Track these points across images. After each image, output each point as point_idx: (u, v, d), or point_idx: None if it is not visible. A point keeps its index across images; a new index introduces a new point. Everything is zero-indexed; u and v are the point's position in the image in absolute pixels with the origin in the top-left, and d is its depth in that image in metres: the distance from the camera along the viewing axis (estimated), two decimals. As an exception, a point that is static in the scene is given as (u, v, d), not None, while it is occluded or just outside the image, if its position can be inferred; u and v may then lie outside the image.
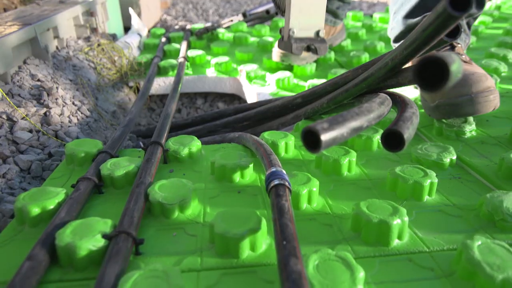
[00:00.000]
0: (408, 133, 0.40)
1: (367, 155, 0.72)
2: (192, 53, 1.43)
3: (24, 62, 1.00)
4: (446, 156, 0.66)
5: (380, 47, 1.42)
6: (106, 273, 0.39)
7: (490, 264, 0.40)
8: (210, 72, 1.35)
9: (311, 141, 0.34)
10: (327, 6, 1.32)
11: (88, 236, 0.45)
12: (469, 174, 0.66)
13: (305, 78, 1.22)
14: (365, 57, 1.31)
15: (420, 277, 0.43)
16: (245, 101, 1.34)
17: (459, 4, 0.38)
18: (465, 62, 0.82)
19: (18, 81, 0.92)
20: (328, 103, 0.75)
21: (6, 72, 0.90)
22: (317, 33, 0.69)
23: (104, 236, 0.45)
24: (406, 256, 0.46)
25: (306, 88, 1.11)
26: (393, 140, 0.39)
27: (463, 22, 0.94)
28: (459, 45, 0.89)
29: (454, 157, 0.67)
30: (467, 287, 0.41)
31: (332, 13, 1.32)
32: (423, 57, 0.30)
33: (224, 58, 1.35)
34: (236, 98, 1.45)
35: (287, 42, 0.92)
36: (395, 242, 0.48)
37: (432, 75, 0.29)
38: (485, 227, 0.51)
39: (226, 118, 1.13)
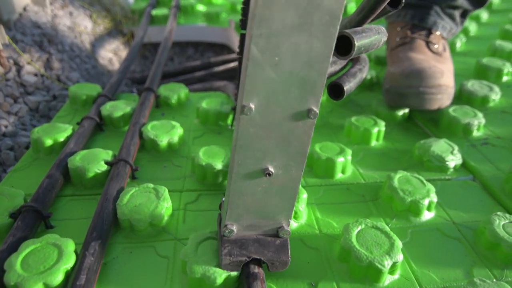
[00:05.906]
0: (349, 85, 0.50)
1: (332, 104, 0.83)
2: (184, 2, 1.47)
3: (25, 10, 1.06)
4: (400, 110, 0.77)
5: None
6: (109, 188, 0.51)
7: (404, 190, 0.52)
8: (201, 22, 1.41)
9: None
10: None
11: (94, 162, 0.56)
12: (417, 125, 0.77)
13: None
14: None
15: (353, 201, 0.56)
16: (234, 51, 1.41)
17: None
18: (435, 53, 0.80)
19: (20, 28, 0.99)
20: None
21: (9, 19, 0.97)
22: (277, 232, 0.41)
23: (107, 162, 0.57)
24: (345, 186, 0.59)
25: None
26: (337, 90, 0.50)
27: (456, 11, 0.87)
28: (438, 33, 0.84)
29: (407, 111, 0.78)
30: (387, 208, 0.54)
31: None
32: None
33: (216, 9, 1.41)
34: (225, 48, 1.52)
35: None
36: (339, 175, 0.60)
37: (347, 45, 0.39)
38: (414, 166, 0.63)
39: (214, 68, 1.22)
